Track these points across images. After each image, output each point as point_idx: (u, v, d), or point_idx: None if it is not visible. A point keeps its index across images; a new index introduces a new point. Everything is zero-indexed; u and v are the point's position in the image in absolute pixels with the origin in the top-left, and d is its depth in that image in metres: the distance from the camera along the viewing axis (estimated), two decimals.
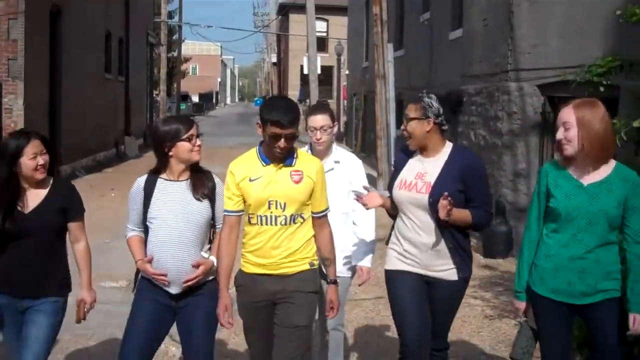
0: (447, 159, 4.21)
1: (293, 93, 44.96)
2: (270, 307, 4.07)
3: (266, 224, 3.99)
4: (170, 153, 4.06)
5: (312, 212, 4.09)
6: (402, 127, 4.26)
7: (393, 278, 4.33)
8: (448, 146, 4.28)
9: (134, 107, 25.94)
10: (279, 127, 3.86)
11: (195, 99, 70.77)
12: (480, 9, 10.15)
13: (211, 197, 4.14)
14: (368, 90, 21.50)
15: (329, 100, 43.33)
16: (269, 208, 3.96)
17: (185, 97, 56.45)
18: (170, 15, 45.16)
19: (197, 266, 4.05)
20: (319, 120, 4.71)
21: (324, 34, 47.72)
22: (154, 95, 37.21)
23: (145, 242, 4.16)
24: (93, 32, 20.01)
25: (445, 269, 4.24)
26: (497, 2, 9.68)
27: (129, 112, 25.17)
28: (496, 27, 9.74)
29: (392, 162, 4.50)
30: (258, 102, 75.95)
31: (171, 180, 4.12)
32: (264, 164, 4.01)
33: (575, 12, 8.14)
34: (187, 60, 60.02)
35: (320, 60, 39.63)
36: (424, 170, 4.23)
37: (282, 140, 3.89)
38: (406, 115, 4.22)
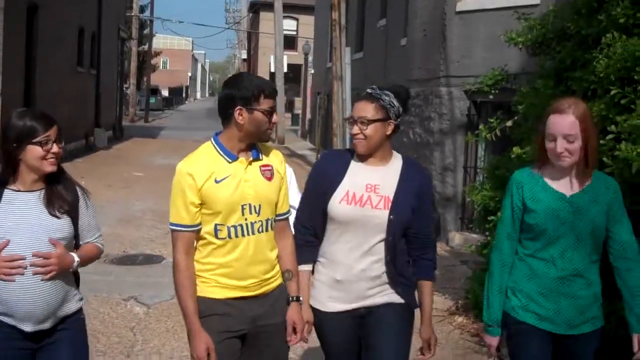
0: (400, 170, 3.56)
1: None
2: (241, 339, 3.40)
3: (242, 234, 3.31)
4: (19, 157, 3.24)
5: (276, 215, 3.47)
6: (354, 131, 3.48)
7: (325, 323, 3.59)
8: (397, 155, 3.63)
9: (104, 99, 26.72)
10: (273, 99, 3.35)
11: (165, 93, 71.20)
12: (421, 20, 11.31)
13: (73, 212, 3.34)
14: (330, 89, 22.60)
15: (296, 98, 44.43)
16: (242, 214, 3.30)
17: (155, 91, 56.97)
18: (142, 9, 45.86)
19: (54, 244, 3.25)
20: None
21: (294, 33, 48.69)
22: (124, 89, 37.94)
23: None
24: (67, 27, 20.83)
25: (384, 294, 3.56)
26: (434, 15, 10.84)
27: (99, 105, 25.95)
28: (432, 38, 10.91)
29: (314, 166, 3.77)
30: None
31: (21, 192, 3.29)
32: (230, 160, 3.33)
33: (497, 29, 9.31)
34: (157, 54, 60.58)
35: (289, 58, 40.73)
36: (374, 182, 3.51)
37: (275, 114, 3.38)
38: (362, 116, 3.45)
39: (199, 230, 3.31)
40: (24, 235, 3.21)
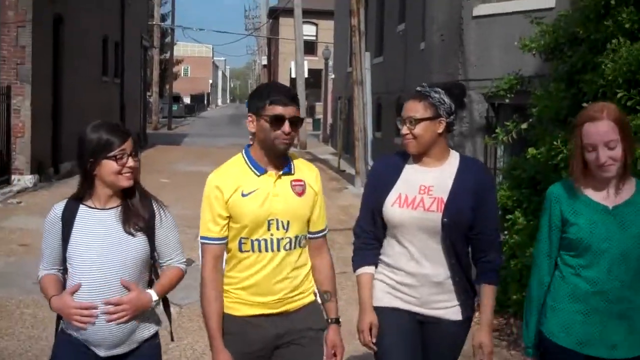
0: (457, 169, 3.41)
1: None
2: (267, 357, 3.33)
3: (265, 250, 3.23)
4: (95, 172, 3.16)
5: (310, 232, 3.37)
6: (403, 131, 3.40)
7: (381, 318, 3.46)
8: (454, 155, 3.47)
9: (128, 108, 27.19)
10: (281, 105, 3.18)
11: (187, 100, 71.81)
12: (438, 25, 11.56)
13: (148, 229, 3.22)
14: (351, 94, 22.90)
15: (316, 103, 44.73)
16: (269, 229, 3.21)
17: (177, 99, 57.53)
18: (163, 18, 46.42)
19: (127, 288, 3.15)
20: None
21: (313, 38, 49.01)
22: (147, 97, 38.46)
23: (64, 286, 3.24)
24: (91, 38, 21.29)
25: (447, 307, 3.45)
26: (452, 20, 11.09)
27: (124, 113, 26.41)
28: (450, 43, 11.15)
29: (370, 170, 3.78)
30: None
31: (96, 208, 3.21)
32: (258, 174, 3.25)
33: (514, 31, 9.52)
34: (179, 62, 61.24)
35: (309, 63, 41.08)
36: (428, 183, 3.40)
37: (286, 123, 3.17)
38: (410, 115, 3.35)
39: (226, 244, 3.27)
40: (98, 255, 3.11)
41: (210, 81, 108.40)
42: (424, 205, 3.36)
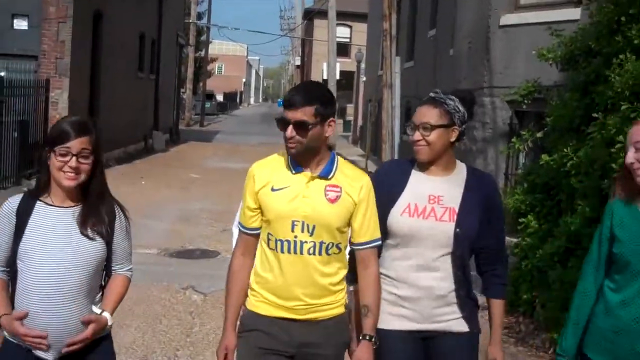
0: (465, 180, 3.34)
1: None
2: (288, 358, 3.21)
3: (288, 251, 3.10)
4: (49, 163, 3.02)
5: (352, 243, 3.20)
6: (416, 137, 3.28)
7: (384, 342, 3.28)
8: (460, 165, 3.41)
9: (162, 104, 27.69)
10: (286, 108, 3.09)
11: (220, 98, 72.33)
12: (466, 33, 11.82)
13: (107, 233, 3.08)
14: (381, 97, 23.16)
15: (348, 105, 45.00)
16: (292, 230, 3.09)
17: (210, 96, 58.04)
18: (199, 16, 46.95)
19: (87, 323, 3.01)
20: None
21: (347, 40, 49.22)
22: (181, 94, 38.98)
23: (12, 287, 3.07)
24: (129, 34, 21.78)
25: (450, 319, 3.34)
26: (478, 28, 11.34)
27: (158, 109, 26.92)
28: (477, 50, 11.40)
29: (373, 176, 3.48)
30: (281, 102, 77.66)
31: (54, 206, 3.05)
32: (294, 172, 3.14)
33: (538, 42, 9.76)
34: (213, 60, 61.76)
35: (342, 65, 41.29)
36: (437, 193, 3.30)
37: (289, 127, 3.05)
38: (424, 121, 3.25)
39: (257, 236, 3.21)
40: (52, 255, 2.96)
41: (244, 80, 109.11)
42: (435, 215, 3.26)
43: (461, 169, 3.39)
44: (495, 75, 10.78)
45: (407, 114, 20.79)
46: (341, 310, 3.22)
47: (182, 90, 40.72)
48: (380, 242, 3.24)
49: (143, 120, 24.50)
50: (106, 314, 3.11)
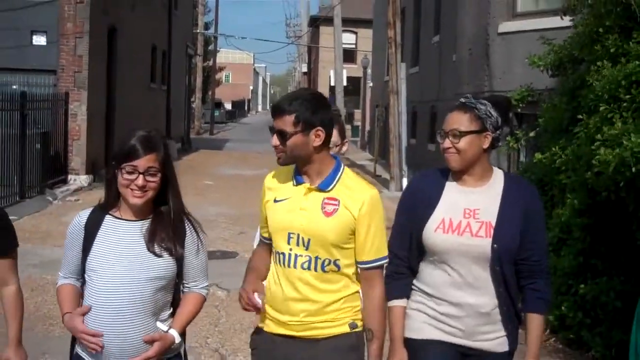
0: (502, 190, 3.15)
1: None
2: None
3: (283, 264, 3.04)
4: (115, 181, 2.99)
5: (356, 261, 3.05)
6: (445, 144, 3.13)
7: (422, 352, 3.19)
8: (497, 173, 3.22)
9: (173, 113, 28.35)
10: (274, 117, 3.03)
11: (228, 106, 73.00)
12: (467, 40, 12.41)
13: (176, 249, 3.01)
14: (388, 102, 23.77)
15: (355, 110, 45.60)
16: (288, 243, 3.02)
17: (218, 105, 58.59)
18: (206, 26, 47.67)
19: (150, 342, 2.93)
20: None
21: (353, 46, 49.79)
22: (191, 103, 39.64)
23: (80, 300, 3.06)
24: (141, 47, 22.42)
25: (492, 338, 3.18)
26: (479, 35, 11.92)
27: (170, 119, 27.59)
28: (477, 56, 11.99)
29: (407, 187, 3.44)
30: None
31: (122, 219, 3.02)
32: (295, 184, 3.06)
33: (534, 47, 10.34)
34: (221, 69, 62.53)
35: (349, 71, 41.87)
36: (473, 205, 3.14)
37: (274, 136, 3.01)
38: (454, 128, 3.10)
39: (269, 244, 3.16)
40: (116, 269, 2.93)
41: (251, 87, 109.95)
42: (471, 231, 3.10)
43: (498, 178, 3.19)
44: (495, 80, 11.36)
45: (414, 118, 21.39)
46: (345, 329, 3.03)
47: (192, 99, 41.35)
48: (387, 261, 3.10)
49: (156, 130, 25.07)
50: (173, 332, 2.99)
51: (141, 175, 2.89)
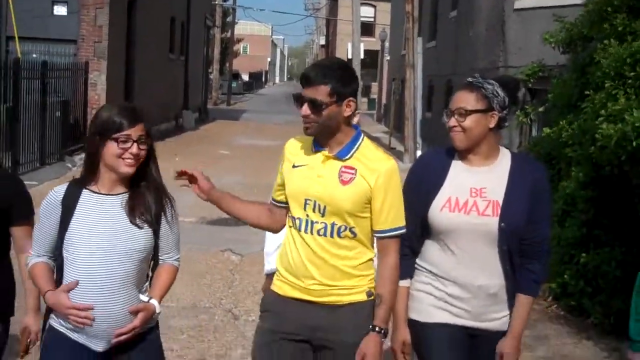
0: (509, 169, 3.14)
1: None
2: (304, 350, 3.10)
3: (299, 229, 3.06)
4: (99, 152, 2.97)
5: (373, 230, 3.05)
6: (451, 123, 3.12)
7: (430, 335, 3.20)
8: (504, 152, 3.20)
9: (191, 84, 28.57)
10: (302, 85, 3.03)
11: (246, 77, 73.01)
12: (484, 15, 12.55)
13: (155, 221, 3.05)
14: (404, 76, 23.87)
15: (372, 83, 45.63)
16: (305, 209, 3.04)
17: (236, 76, 58.61)
18: None
19: (134, 313, 2.97)
20: None
21: (371, 20, 49.73)
22: (208, 74, 39.82)
23: (58, 277, 3.03)
24: (160, 18, 22.61)
25: (497, 318, 3.19)
26: (494, 11, 12.06)
27: (188, 89, 27.81)
28: (493, 32, 12.13)
29: (413, 166, 3.45)
30: None
31: (101, 194, 3.02)
32: (314, 150, 3.08)
33: (547, 24, 10.47)
34: (239, 40, 62.57)
35: (367, 44, 41.86)
36: (480, 184, 3.13)
37: (305, 106, 2.98)
38: (460, 106, 3.08)
39: (281, 208, 3.18)
40: (99, 244, 2.93)
41: (269, 59, 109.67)
42: (477, 209, 3.09)
43: (505, 157, 3.17)
44: (510, 56, 11.51)
45: (430, 92, 21.50)
46: (362, 297, 3.04)
47: (210, 70, 41.50)
48: (403, 231, 3.05)
49: (174, 100, 25.39)
50: (154, 302, 3.05)
51: (135, 144, 2.93)
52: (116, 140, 2.90)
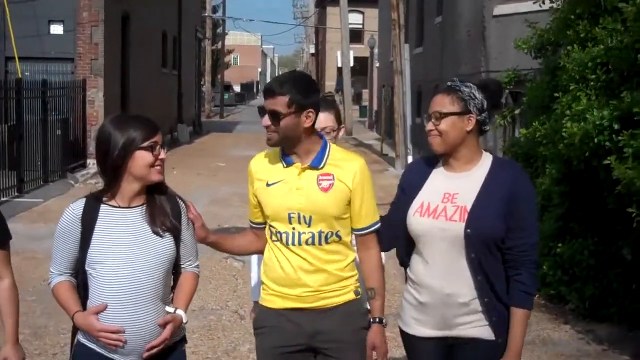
0: (486, 174, 3.07)
1: (330, 83, 47.35)
2: (308, 358, 3.21)
3: (286, 243, 3.11)
4: (124, 167, 2.92)
5: (353, 229, 3.17)
6: (428, 127, 3.09)
7: (413, 347, 3.26)
8: (486, 157, 3.14)
9: (185, 97, 29.05)
10: (264, 97, 3.07)
11: (237, 88, 73.24)
12: (465, 22, 13.09)
13: (175, 228, 3.03)
14: (393, 82, 24.36)
15: (363, 90, 46.06)
16: (290, 222, 3.09)
17: (227, 87, 58.85)
18: (214, 9, 48.15)
19: (163, 326, 2.97)
20: (322, 119, 3.43)
21: (360, 26, 50.12)
22: (201, 86, 40.24)
23: (83, 294, 3.01)
24: (153, 33, 23.06)
25: (477, 326, 3.09)
26: (476, 18, 12.60)
27: (181, 102, 28.30)
28: (475, 37, 12.66)
29: (403, 173, 3.55)
30: None
31: (120, 207, 2.98)
32: (285, 165, 3.13)
33: (525, 30, 10.99)
34: (229, 51, 62.97)
35: (356, 51, 42.23)
36: (453, 190, 3.09)
37: (265, 117, 3.05)
38: (436, 110, 3.07)
39: (262, 229, 3.24)
40: (126, 257, 2.91)
41: (259, 69, 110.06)
42: (446, 214, 3.05)
43: (485, 162, 3.11)
44: (491, 61, 12.03)
45: (419, 97, 22.00)
46: (351, 296, 3.15)
47: (202, 83, 41.89)
48: (379, 225, 3.17)
49: (168, 113, 25.85)
50: (180, 312, 3.03)
51: (163, 150, 2.96)
52: (146, 149, 2.89)
